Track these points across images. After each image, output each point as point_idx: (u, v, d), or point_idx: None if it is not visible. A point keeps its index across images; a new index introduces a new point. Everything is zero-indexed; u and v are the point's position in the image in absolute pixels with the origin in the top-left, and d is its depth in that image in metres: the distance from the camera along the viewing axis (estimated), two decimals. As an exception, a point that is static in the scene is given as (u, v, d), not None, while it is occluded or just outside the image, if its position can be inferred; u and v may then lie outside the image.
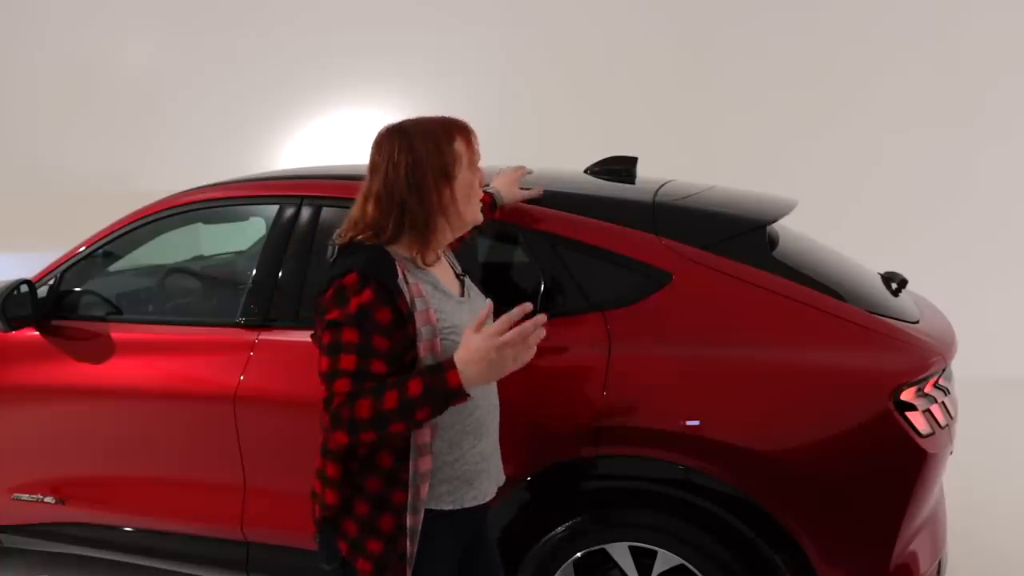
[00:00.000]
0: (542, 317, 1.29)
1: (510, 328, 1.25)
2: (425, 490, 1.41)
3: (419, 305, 1.37)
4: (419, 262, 1.46)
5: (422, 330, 1.36)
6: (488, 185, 2.04)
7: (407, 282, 1.38)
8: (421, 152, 1.41)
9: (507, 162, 2.74)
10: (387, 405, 1.26)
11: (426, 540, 1.43)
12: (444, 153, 1.42)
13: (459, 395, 1.27)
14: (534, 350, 1.29)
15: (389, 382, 1.30)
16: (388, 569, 1.42)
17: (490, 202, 1.98)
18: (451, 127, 1.45)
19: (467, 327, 1.33)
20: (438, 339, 1.38)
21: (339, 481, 1.44)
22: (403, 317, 1.35)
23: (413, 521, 1.41)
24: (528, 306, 1.29)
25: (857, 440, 1.79)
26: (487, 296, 1.63)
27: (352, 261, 1.38)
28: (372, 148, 1.47)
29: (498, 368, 1.27)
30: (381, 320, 1.33)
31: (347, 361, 1.30)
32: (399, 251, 1.45)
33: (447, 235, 1.49)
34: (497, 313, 1.34)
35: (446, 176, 1.42)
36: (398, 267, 1.39)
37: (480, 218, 1.51)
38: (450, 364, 1.27)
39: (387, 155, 1.43)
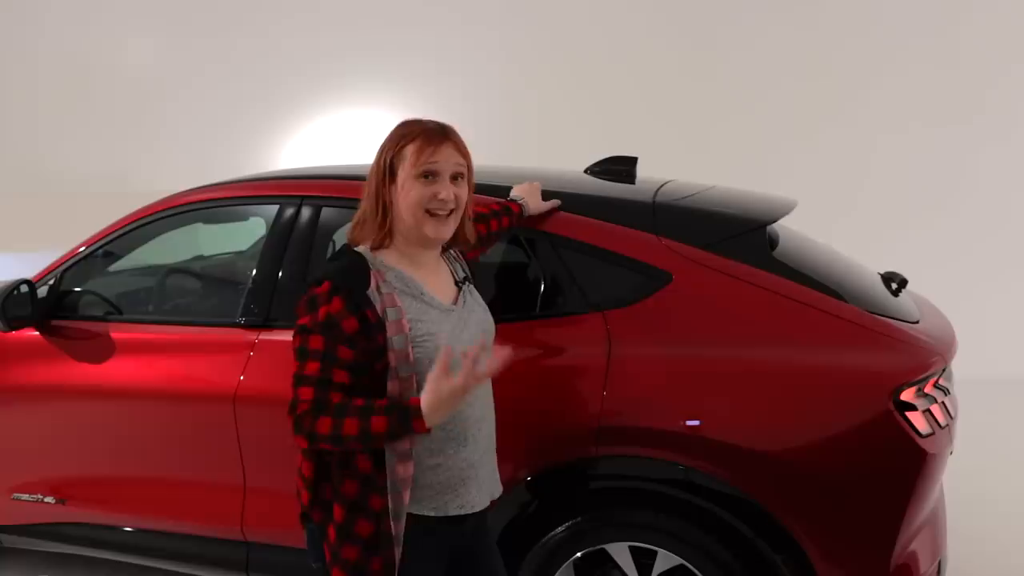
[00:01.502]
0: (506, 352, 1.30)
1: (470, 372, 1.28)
2: (407, 496, 1.40)
3: (391, 315, 1.39)
4: (406, 267, 1.48)
5: (393, 339, 1.38)
6: (511, 195, 2.05)
7: (380, 292, 1.40)
8: (383, 149, 1.49)
9: (507, 162, 2.75)
10: (346, 430, 1.31)
11: (405, 545, 1.42)
12: (394, 153, 1.46)
13: (423, 432, 1.33)
14: (496, 368, 1.30)
15: (353, 406, 1.33)
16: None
17: (518, 212, 1.99)
18: (413, 132, 1.46)
19: (432, 374, 1.31)
20: (410, 347, 1.39)
21: (311, 480, 1.47)
22: (370, 326, 1.37)
23: (397, 528, 1.40)
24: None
25: (857, 440, 1.79)
26: (488, 300, 1.63)
27: (328, 269, 1.44)
28: None
29: (461, 400, 1.32)
30: (347, 329, 1.36)
31: (311, 368, 1.35)
32: (385, 257, 1.47)
33: (412, 240, 1.48)
34: (498, 310, 1.35)
35: (391, 171, 1.46)
36: (373, 277, 1.41)
37: (436, 235, 1.46)
38: (416, 412, 1.30)
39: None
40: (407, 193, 1.44)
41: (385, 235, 1.47)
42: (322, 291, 1.37)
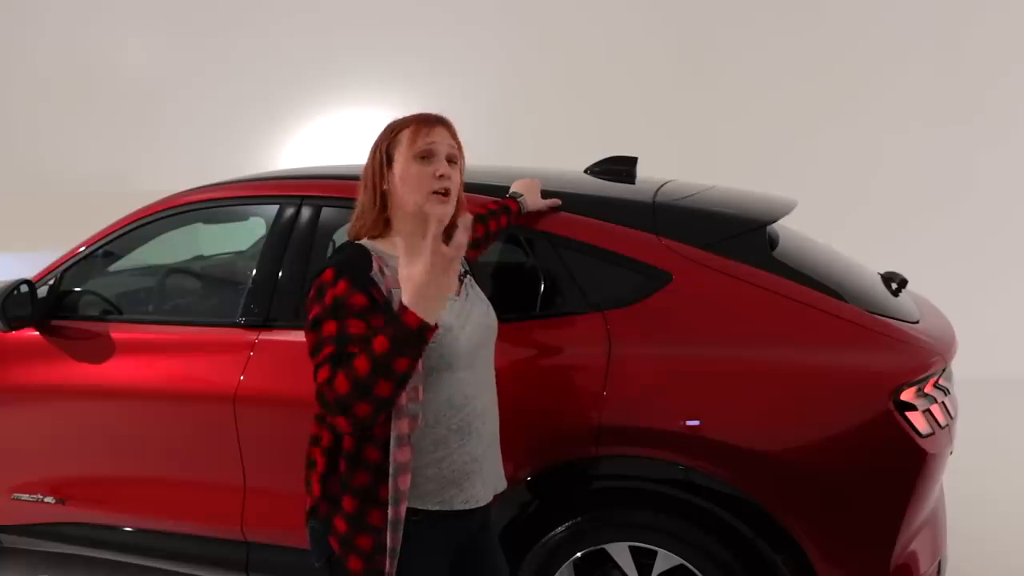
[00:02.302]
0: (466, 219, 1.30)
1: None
2: (406, 481, 1.40)
3: (396, 295, 1.39)
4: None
5: None
6: (510, 191, 2.05)
7: (383, 274, 1.41)
8: (377, 141, 1.53)
9: (507, 162, 2.75)
10: (360, 371, 1.25)
11: (411, 540, 1.42)
12: (389, 142, 1.50)
13: (427, 330, 1.25)
14: (462, 242, 1.27)
15: (357, 352, 1.30)
16: (377, 564, 1.42)
17: (517, 209, 2.00)
18: (406, 120, 1.51)
19: (400, 265, 1.30)
20: None
21: (324, 475, 1.46)
22: (378, 305, 1.38)
23: (394, 514, 1.39)
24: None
25: (857, 440, 1.79)
26: (488, 298, 1.63)
27: (330, 260, 1.45)
28: None
29: (437, 281, 1.25)
30: (355, 304, 1.35)
31: (326, 351, 1.32)
32: (384, 246, 1.49)
33: (408, 222, 1.49)
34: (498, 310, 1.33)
35: (388, 159, 1.50)
36: (375, 262, 1.43)
37: (434, 212, 1.46)
38: (403, 308, 1.26)
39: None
40: (407, 177, 1.46)
41: (384, 224, 1.50)
42: (327, 278, 1.38)
